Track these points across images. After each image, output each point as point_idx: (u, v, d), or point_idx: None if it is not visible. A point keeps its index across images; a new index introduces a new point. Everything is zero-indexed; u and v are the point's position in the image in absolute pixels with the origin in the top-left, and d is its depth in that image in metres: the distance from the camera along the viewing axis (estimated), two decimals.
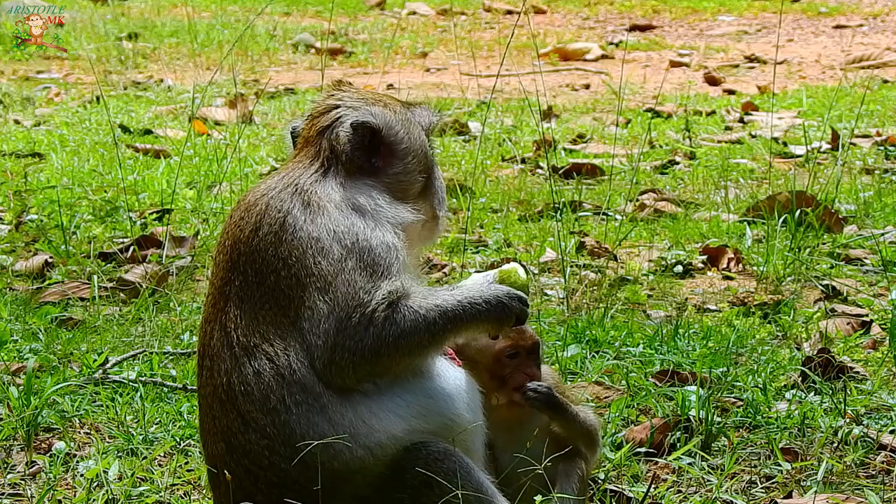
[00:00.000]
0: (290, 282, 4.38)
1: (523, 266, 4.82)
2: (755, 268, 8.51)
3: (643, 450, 5.66)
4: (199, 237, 8.98)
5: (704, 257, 8.74)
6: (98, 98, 14.84)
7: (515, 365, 4.86)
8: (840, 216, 9.31)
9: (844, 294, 7.97)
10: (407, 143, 4.68)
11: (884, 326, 7.27)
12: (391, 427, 4.37)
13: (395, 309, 4.37)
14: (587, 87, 16.96)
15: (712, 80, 17.07)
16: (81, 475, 5.46)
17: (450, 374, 4.54)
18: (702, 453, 5.61)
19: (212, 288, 4.56)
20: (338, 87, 4.76)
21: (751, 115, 14.34)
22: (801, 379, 6.47)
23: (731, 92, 16.35)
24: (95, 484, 5.38)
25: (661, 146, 12.70)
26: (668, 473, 5.54)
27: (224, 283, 4.49)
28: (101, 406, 6.21)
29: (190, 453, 5.71)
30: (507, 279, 4.66)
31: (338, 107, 4.66)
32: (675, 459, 5.51)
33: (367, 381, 4.37)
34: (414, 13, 23.64)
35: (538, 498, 4.68)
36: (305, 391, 4.34)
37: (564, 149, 12.36)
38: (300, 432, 4.32)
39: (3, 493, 5.40)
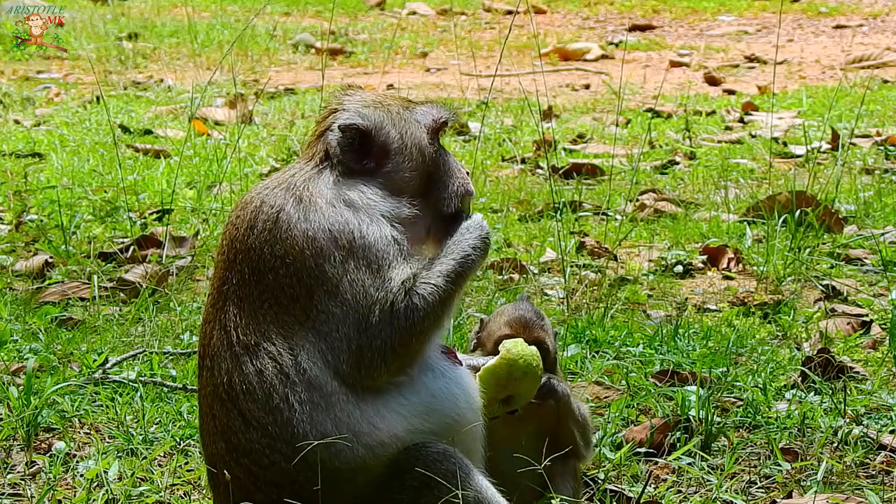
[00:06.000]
0: (290, 280, 4.39)
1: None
2: (755, 268, 8.51)
3: (643, 450, 5.66)
4: (199, 237, 8.98)
5: (704, 257, 8.74)
6: (98, 98, 14.83)
7: None
8: (840, 216, 9.30)
9: (844, 294, 7.97)
10: (399, 142, 4.65)
11: (884, 326, 7.27)
12: (394, 426, 4.37)
13: (412, 294, 4.40)
14: (587, 87, 16.96)
15: (712, 80, 17.07)
16: (81, 475, 5.45)
17: (452, 373, 4.54)
18: (702, 453, 5.61)
19: (211, 288, 4.57)
20: (342, 91, 4.78)
21: (751, 115, 14.34)
22: (801, 379, 6.47)
23: (731, 92, 16.35)
24: (95, 484, 5.37)
25: (661, 146, 12.70)
26: (667, 473, 5.54)
27: (222, 283, 4.49)
28: (101, 406, 6.20)
29: (190, 453, 5.71)
30: (513, 349, 4.78)
31: (336, 111, 4.68)
32: (674, 459, 5.50)
33: (399, 375, 4.40)
34: (414, 13, 23.65)
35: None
36: (311, 389, 4.33)
37: (564, 149, 12.36)
38: (302, 431, 4.32)
39: (3, 493, 5.40)
